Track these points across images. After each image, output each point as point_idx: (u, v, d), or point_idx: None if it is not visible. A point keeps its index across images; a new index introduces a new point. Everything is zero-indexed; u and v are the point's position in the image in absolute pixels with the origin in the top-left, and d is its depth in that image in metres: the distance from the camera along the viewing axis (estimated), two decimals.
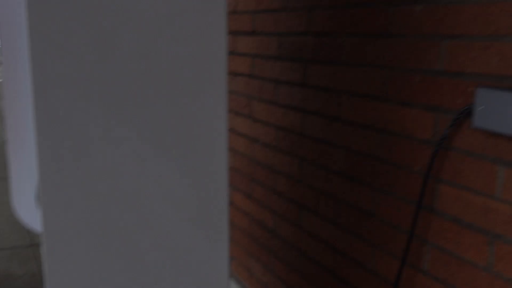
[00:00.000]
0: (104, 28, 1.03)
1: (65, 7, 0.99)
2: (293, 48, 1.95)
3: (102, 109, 1.06)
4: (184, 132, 1.14)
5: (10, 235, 3.68)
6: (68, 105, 1.03)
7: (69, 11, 1.00)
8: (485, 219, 1.24)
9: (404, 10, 1.42)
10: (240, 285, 2.59)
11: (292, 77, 1.98)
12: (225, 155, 1.19)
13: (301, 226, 2.02)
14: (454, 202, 1.33)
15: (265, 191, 2.28)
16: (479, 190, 1.25)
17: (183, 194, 1.17)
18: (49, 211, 1.05)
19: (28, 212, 1.20)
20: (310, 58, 1.86)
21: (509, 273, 1.19)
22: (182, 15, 1.09)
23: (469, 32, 1.24)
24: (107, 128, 1.07)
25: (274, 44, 2.07)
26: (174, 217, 1.17)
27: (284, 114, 2.06)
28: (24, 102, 1.12)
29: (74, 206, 1.07)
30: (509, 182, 1.18)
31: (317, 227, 1.92)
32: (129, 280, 1.15)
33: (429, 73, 1.36)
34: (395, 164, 1.51)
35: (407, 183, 1.47)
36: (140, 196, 1.12)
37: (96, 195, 1.09)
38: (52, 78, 1.01)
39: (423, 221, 1.43)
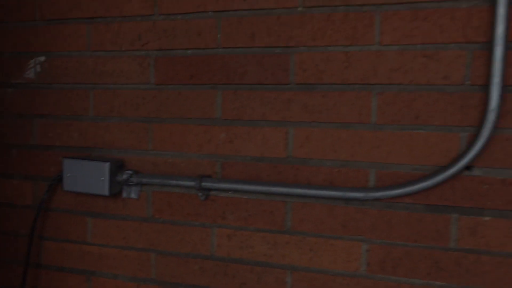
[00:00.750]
0: None
1: None
2: None
3: None
4: None
5: None
6: None
7: None
8: (83, 262, 1.53)
9: None
10: None
11: None
12: None
13: None
14: (57, 254, 1.56)
15: None
16: (76, 239, 1.53)
17: None
18: None
19: None
20: None
21: None
22: None
23: (55, 113, 1.53)
24: None
25: None
26: None
27: None
28: None
29: None
30: (96, 228, 1.50)
31: None
32: None
33: (25, 147, 1.58)
34: (1, 232, 1.64)
35: (16, 247, 1.62)
36: None
37: None
38: None
39: (32, 278, 1.60)
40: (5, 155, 1.62)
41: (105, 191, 1.40)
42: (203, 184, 1.32)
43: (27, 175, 1.59)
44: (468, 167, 1.16)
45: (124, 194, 1.45)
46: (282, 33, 1.27)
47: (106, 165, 1.39)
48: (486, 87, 1.13)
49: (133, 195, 1.44)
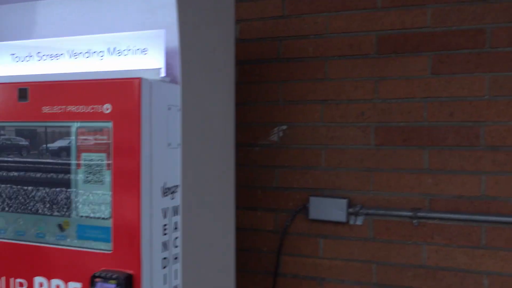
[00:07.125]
0: None
1: None
2: None
3: None
4: None
5: None
6: None
7: None
8: (315, 271, 2.15)
9: (247, 150, 2.29)
10: None
11: None
12: None
13: None
14: (293, 265, 2.19)
15: None
16: (309, 254, 2.16)
17: None
18: None
19: None
20: None
21: None
22: None
23: (293, 164, 2.19)
24: None
25: None
26: None
27: None
28: None
29: None
30: (326, 246, 2.12)
31: None
32: None
33: (268, 188, 2.25)
34: (248, 249, 2.29)
35: (259, 260, 2.26)
36: None
37: None
38: None
39: (271, 283, 2.23)
40: (252, 194, 2.29)
41: (343, 219, 2.03)
42: (418, 214, 1.93)
43: (269, 208, 2.25)
44: None
45: (351, 222, 2.08)
46: (474, 112, 1.89)
47: (345, 201, 2.03)
48: None
49: (358, 222, 2.06)
